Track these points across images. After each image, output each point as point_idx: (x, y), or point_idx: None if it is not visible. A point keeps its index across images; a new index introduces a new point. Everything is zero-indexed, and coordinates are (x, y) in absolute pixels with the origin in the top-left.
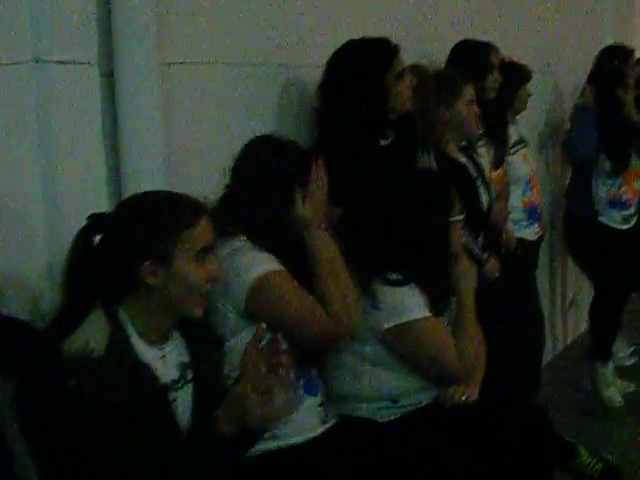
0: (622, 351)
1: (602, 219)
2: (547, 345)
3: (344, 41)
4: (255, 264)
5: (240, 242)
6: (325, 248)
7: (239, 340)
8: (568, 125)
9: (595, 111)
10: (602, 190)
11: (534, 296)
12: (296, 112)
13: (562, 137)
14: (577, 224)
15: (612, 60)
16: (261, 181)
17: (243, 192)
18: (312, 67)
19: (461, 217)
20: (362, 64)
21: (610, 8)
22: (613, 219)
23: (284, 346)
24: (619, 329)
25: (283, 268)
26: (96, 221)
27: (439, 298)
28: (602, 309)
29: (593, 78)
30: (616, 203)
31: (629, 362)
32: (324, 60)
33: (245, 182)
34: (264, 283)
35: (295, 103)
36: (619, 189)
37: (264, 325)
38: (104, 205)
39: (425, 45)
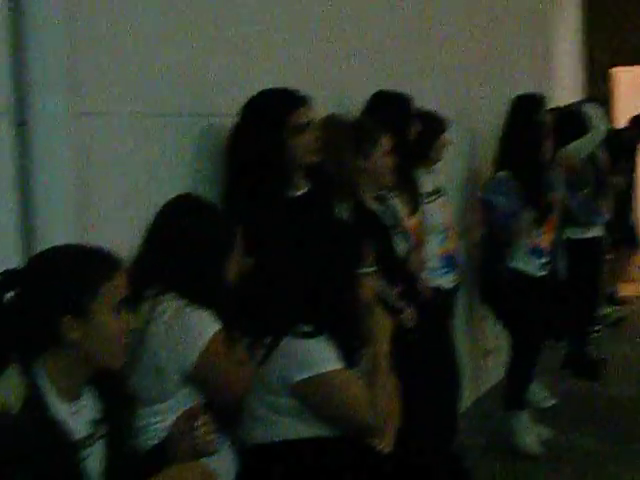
0: (539, 394)
1: (520, 267)
2: (465, 392)
3: (258, 91)
4: (203, 327)
5: (179, 302)
6: None
7: (177, 401)
8: (486, 174)
9: (514, 163)
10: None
11: (450, 344)
12: (212, 162)
13: (479, 187)
14: (494, 272)
15: (526, 108)
16: (184, 245)
17: (167, 254)
18: (228, 117)
19: (373, 269)
20: (260, 116)
21: (525, 57)
22: (531, 267)
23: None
24: (534, 376)
25: (221, 328)
26: (8, 277)
27: (351, 349)
28: (518, 358)
29: (508, 127)
30: (535, 251)
31: (548, 404)
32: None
33: (167, 244)
34: (213, 348)
35: (211, 153)
36: (538, 238)
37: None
38: (15, 260)
39: (342, 95)
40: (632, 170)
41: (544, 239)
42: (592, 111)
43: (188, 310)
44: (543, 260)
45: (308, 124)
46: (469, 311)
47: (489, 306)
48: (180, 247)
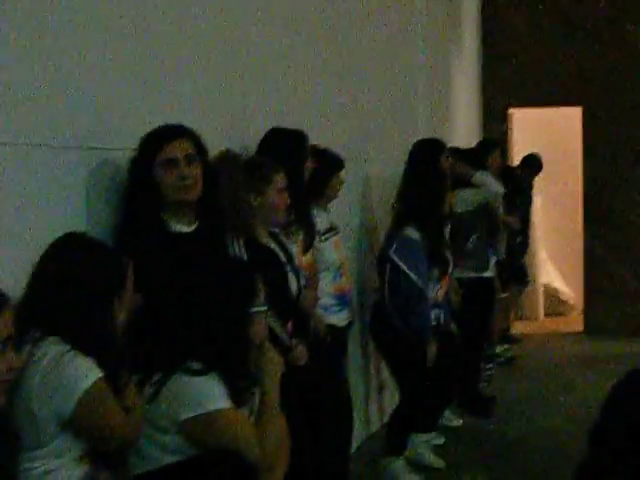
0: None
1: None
2: (360, 429)
3: (154, 126)
4: (82, 374)
5: (61, 347)
6: None
7: (58, 446)
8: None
9: (418, 217)
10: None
11: (342, 382)
12: (108, 197)
13: (373, 227)
14: (387, 317)
15: (426, 152)
16: (69, 286)
17: (53, 294)
18: (125, 151)
19: (264, 307)
20: (138, 151)
21: (424, 98)
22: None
23: None
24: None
25: (102, 375)
26: None
27: (241, 388)
28: (402, 404)
29: (410, 174)
30: (434, 305)
31: (439, 441)
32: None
33: (52, 284)
34: (92, 397)
35: (107, 188)
36: (437, 292)
37: None
38: None
39: (237, 131)
40: (525, 209)
41: (441, 293)
42: (483, 179)
43: (67, 357)
44: (437, 311)
45: (175, 160)
46: (366, 346)
47: (378, 347)
48: (65, 288)
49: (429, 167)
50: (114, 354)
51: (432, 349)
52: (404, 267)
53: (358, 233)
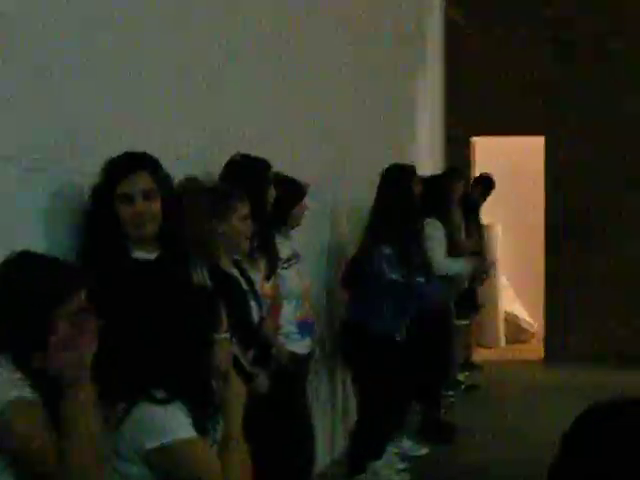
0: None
1: (387, 329)
2: (325, 454)
3: (119, 150)
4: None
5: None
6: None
7: None
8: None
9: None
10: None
11: (304, 409)
12: (70, 220)
13: (340, 254)
14: (357, 334)
15: (398, 177)
16: (17, 303)
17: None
18: (88, 174)
19: (227, 335)
20: (99, 182)
21: (389, 127)
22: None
23: None
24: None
25: (30, 397)
26: None
27: (204, 417)
28: (364, 424)
29: (382, 197)
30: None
31: (400, 466)
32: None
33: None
34: (8, 412)
35: (69, 211)
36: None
37: None
38: None
39: (201, 157)
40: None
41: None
42: (442, 269)
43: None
44: (408, 323)
45: (131, 196)
46: (332, 373)
47: (348, 367)
48: (6, 301)
49: (401, 190)
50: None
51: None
52: (387, 272)
53: (327, 260)
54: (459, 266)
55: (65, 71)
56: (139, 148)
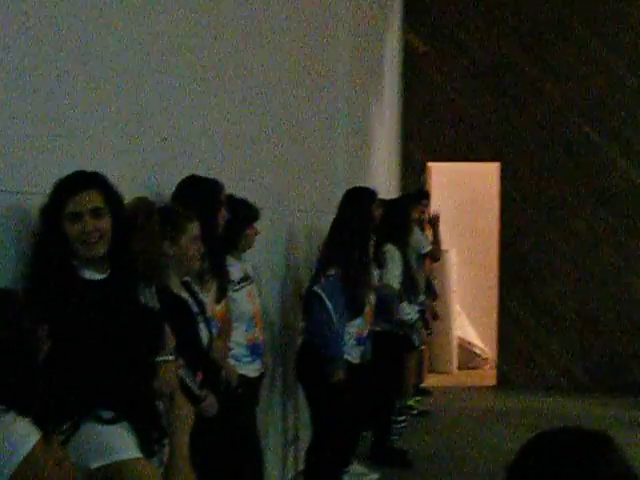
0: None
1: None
2: (276, 477)
3: (68, 171)
4: (21, 436)
5: None
6: None
7: None
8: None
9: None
10: (351, 327)
11: (253, 433)
12: (17, 242)
13: (296, 276)
14: (315, 358)
15: (359, 200)
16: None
17: None
18: (36, 195)
19: (172, 357)
20: (47, 201)
21: (345, 151)
22: (353, 355)
23: None
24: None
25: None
26: None
27: (150, 438)
28: (321, 447)
29: (341, 219)
30: (360, 339)
31: None
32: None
33: None
34: (34, 458)
35: (17, 232)
36: (362, 328)
37: None
38: None
39: (152, 178)
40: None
41: (365, 327)
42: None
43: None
44: (362, 348)
45: (80, 215)
46: (282, 397)
47: (304, 390)
48: None
49: (361, 214)
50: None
51: (339, 375)
52: (327, 301)
53: (280, 282)
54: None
55: (5, 92)
56: (89, 168)
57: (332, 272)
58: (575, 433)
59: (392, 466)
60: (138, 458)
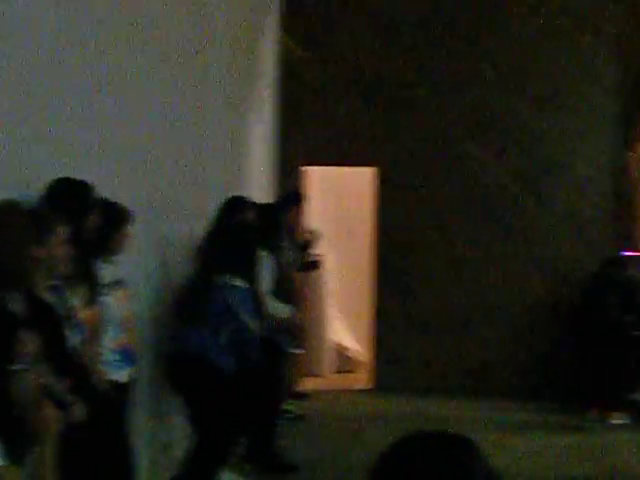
0: None
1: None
2: None
3: None
4: None
5: None
6: None
7: None
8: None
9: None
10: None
11: (123, 438)
12: None
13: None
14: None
15: (233, 208)
16: None
17: None
18: None
19: (27, 366)
20: None
21: (218, 155)
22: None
23: None
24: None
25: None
26: None
27: (16, 445)
28: (200, 454)
29: (219, 227)
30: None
31: None
32: None
33: None
34: None
35: None
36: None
37: None
38: None
39: (20, 180)
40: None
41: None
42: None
43: None
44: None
45: None
46: (153, 403)
47: (184, 399)
48: None
49: (237, 221)
50: None
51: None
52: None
53: (154, 287)
54: (284, 311)
55: None
56: None
57: (232, 281)
58: (435, 437)
59: (265, 470)
60: (3, 465)
